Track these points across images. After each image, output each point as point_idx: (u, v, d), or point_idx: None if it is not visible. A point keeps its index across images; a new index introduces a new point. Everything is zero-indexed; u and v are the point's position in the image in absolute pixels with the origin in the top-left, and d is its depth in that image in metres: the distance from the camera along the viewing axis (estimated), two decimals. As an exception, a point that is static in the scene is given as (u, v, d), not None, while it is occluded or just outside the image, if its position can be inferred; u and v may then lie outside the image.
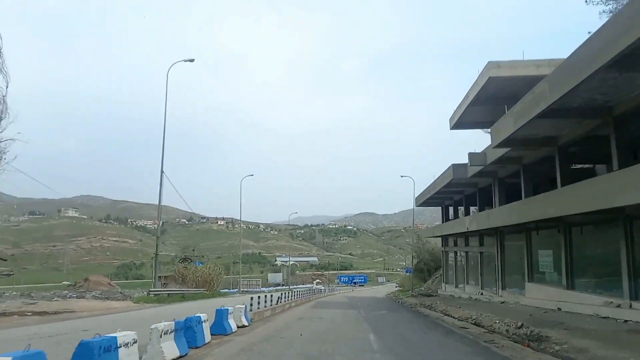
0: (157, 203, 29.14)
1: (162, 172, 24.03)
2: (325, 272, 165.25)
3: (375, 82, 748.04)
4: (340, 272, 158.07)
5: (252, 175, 48.14)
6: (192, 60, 31.24)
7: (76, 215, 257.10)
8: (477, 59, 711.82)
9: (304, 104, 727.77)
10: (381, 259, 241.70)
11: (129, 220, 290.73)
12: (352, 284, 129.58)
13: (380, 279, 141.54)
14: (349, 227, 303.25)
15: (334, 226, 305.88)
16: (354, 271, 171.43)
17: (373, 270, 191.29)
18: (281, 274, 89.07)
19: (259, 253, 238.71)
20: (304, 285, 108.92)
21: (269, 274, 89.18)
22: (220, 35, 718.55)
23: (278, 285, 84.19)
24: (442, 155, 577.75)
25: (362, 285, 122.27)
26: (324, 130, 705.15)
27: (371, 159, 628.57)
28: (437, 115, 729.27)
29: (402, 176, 42.02)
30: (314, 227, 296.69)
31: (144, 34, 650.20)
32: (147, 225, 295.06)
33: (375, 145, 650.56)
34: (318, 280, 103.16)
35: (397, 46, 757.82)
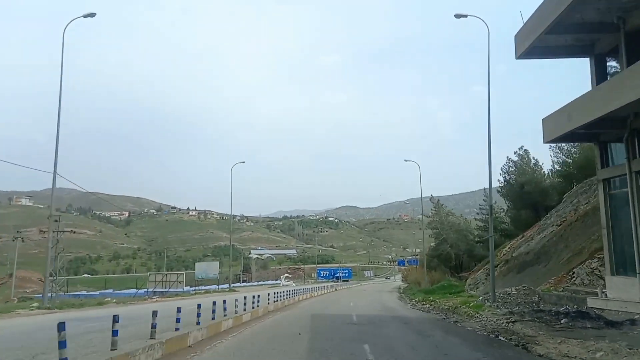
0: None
1: None
2: (303, 266, 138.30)
3: (355, 77, 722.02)
4: (320, 265, 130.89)
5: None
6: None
7: (30, 204, 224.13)
8: (455, 56, 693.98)
9: (284, 99, 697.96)
10: (365, 251, 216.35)
11: (93, 210, 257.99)
12: (334, 279, 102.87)
13: (367, 273, 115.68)
14: (330, 219, 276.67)
15: (314, 217, 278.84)
16: (337, 265, 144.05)
17: (357, 264, 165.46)
18: (217, 263, 58.63)
19: (233, 246, 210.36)
20: (273, 282, 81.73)
21: (197, 265, 56.92)
22: (196, 29, 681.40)
23: (228, 284, 55.45)
24: (422, 149, 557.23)
25: (347, 281, 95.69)
26: (304, 125, 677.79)
27: (352, 154, 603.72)
28: (416, 110, 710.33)
29: (469, 20, 15.15)
30: (293, 219, 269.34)
31: (119, 28, 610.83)
32: (113, 217, 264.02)
33: (356, 140, 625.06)
34: (287, 275, 76.12)
35: (377, 41, 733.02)
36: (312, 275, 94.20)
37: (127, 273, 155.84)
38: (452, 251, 40.22)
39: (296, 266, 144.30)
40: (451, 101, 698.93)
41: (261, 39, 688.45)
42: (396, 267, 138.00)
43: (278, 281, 68.27)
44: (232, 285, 60.12)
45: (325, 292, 45.44)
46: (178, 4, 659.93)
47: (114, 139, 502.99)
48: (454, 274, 39.07)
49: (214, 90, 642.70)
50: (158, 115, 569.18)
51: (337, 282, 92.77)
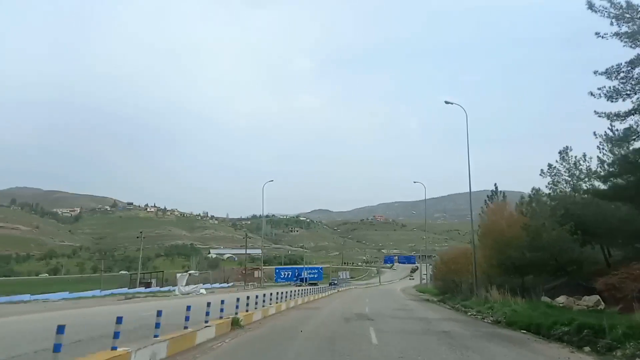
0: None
1: None
2: (266, 267, 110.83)
3: (325, 81, 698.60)
4: (285, 267, 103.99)
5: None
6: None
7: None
8: (427, 60, 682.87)
9: (255, 101, 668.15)
10: (337, 253, 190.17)
11: (40, 206, 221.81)
12: (299, 282, 76.44)
13: (341, 274, 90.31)
14: (301, 219, 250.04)
15: (284, 217, 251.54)
16: (304, 266, 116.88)
17: (329, 265, 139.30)
18: None
19: (191, 244, 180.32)
20: (170, 288, 47.61)
21: None
22: (168, 29, 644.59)
23: None
24: (396, 150, 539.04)
25: (316, 284, 69.33)
26: (275, 128, 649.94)
27: (324, 158, 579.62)
28: (389, 114, 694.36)
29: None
30: (261, 217, 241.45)
31: (86, 22, 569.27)
32: (64, 213, 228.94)
33: (328, 143, 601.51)
34: (191, 273, 48.38)
35: (349, 47, 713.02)
36: (256, 274, 67.65)
37: (55, 274, 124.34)
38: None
39: (256, 266, 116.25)
40: (420, 108, 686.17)
41: (232, 42, 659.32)
42: (374, 268, 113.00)
43: (173, 288, 39.19)
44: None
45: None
46: (152, 3, 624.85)
47: (85, 135, 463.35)
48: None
49: (184, 89, 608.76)
50: (134, 112, 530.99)
51: (303, 284, 66.38)
